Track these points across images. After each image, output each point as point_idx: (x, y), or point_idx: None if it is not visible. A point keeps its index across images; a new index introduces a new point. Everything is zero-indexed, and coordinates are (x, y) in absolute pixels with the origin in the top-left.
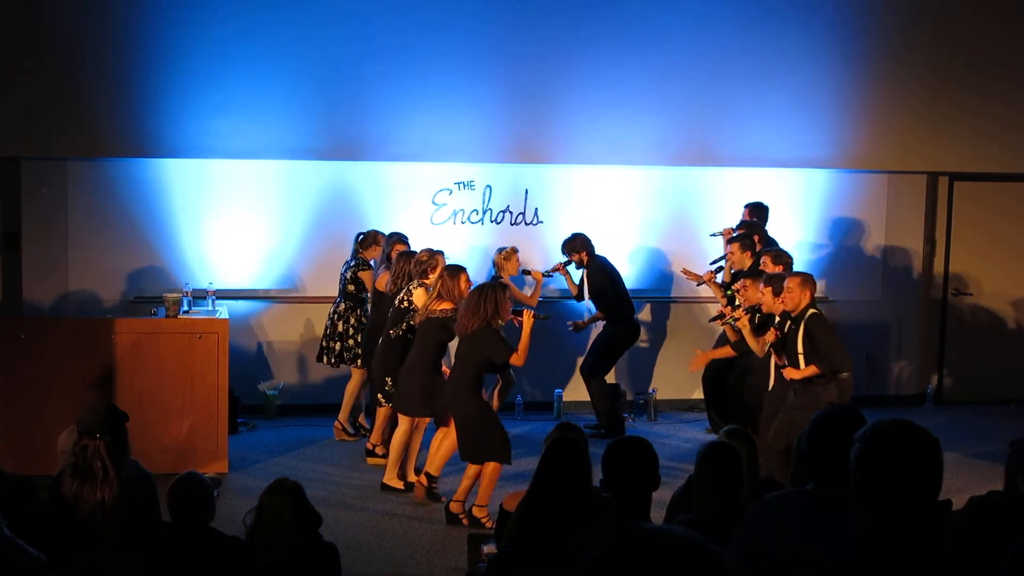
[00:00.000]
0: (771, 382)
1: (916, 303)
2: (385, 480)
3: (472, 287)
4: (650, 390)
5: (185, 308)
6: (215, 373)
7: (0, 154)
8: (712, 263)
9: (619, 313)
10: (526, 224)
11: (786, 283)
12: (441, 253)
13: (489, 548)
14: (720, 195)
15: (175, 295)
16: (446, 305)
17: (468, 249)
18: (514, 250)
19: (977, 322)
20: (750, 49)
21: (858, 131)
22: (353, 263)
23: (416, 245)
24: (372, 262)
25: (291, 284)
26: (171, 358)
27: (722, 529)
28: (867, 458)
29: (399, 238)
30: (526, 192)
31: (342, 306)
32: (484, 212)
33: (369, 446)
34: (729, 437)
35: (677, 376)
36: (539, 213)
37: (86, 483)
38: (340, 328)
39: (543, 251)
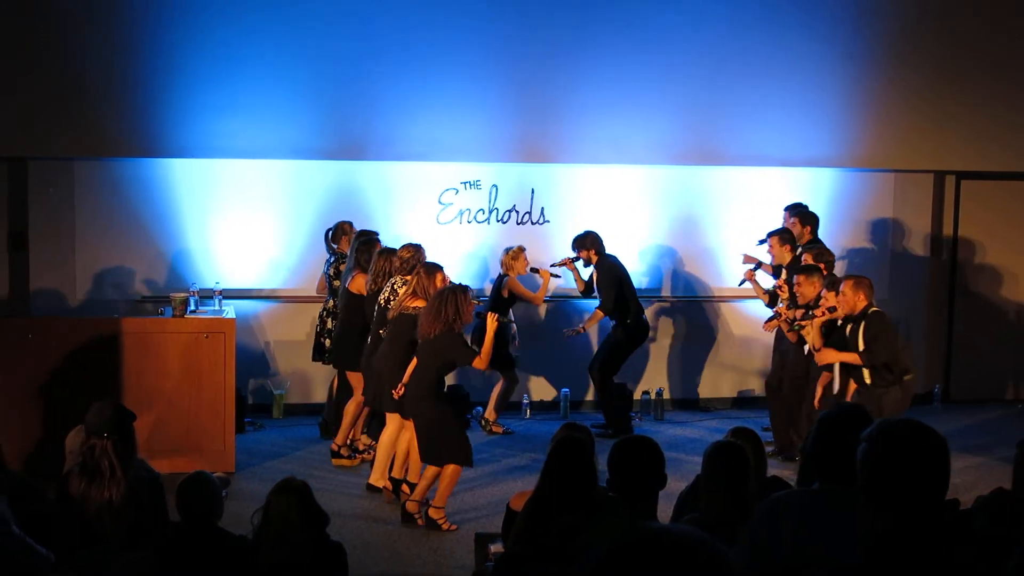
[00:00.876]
0: (836, 385)
1: (923, 302)
2: (371, 480)
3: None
4: (658, 389)
5: (192, 308)
6: (222, 372)
7: (7, 154)
8: (759, 242)
9: (623, 313)
10: (532, 223)
11: (841, 286)
12: (421, 248)
13: (496, 547)
14: (725, 194)
15: (182, 295)
16: (419, 303)
17: (474, 248)
18: (521, 249)
19: (984, 321)
20: (754, 47)
21: (864, 130)
22: (332, 259)
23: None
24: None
25: (298, 283)
26: (178, 358)
27: (729, 528)
28: (874, 457)
29: (369, 238)
30: (532, 191)
31: (331, 303)
32: (490, 211)
33: (334, 447)
34: (736, 436)
35: (684, 375)
36: (545, 212)
37: (93, 483)
38: (330, 325)
39: (550, 250)
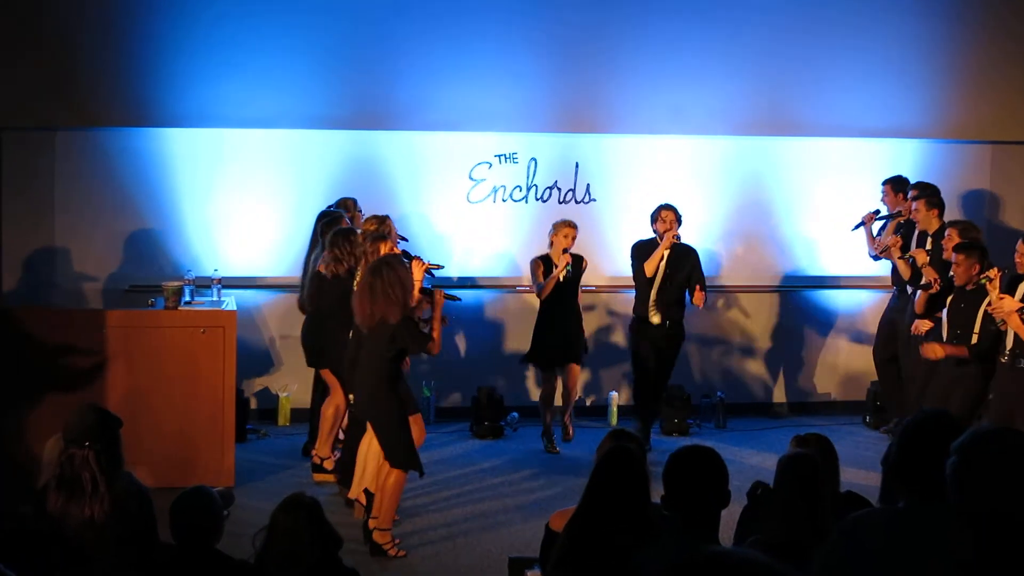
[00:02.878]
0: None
1: None
2: (350, 495)
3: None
4: (718, 393)
5: (187, 298)
6: (220, 373)
7: None
8: (879, 217)
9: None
10: (576, 202)
11: (955, 256)
12: (388, 217)
13: (533, 574)
14: (796, 169)
15: (175, 284)
16: None
17: (510, 231)
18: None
19: None
20: (831, 3)
21: (955, 96)
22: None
23: (451, 227)
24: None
25: None
26: (170, 355)
27: (800, 552)
28: (967, 471)
29: (332, 218)
30: (576, 166)
31: None
32: (528, 189)
33: (316, 459)
34: (802, 445)
35: (748, 377)
36: (591, 190)
37: (73, 498)
38: None
39: (596, 233)
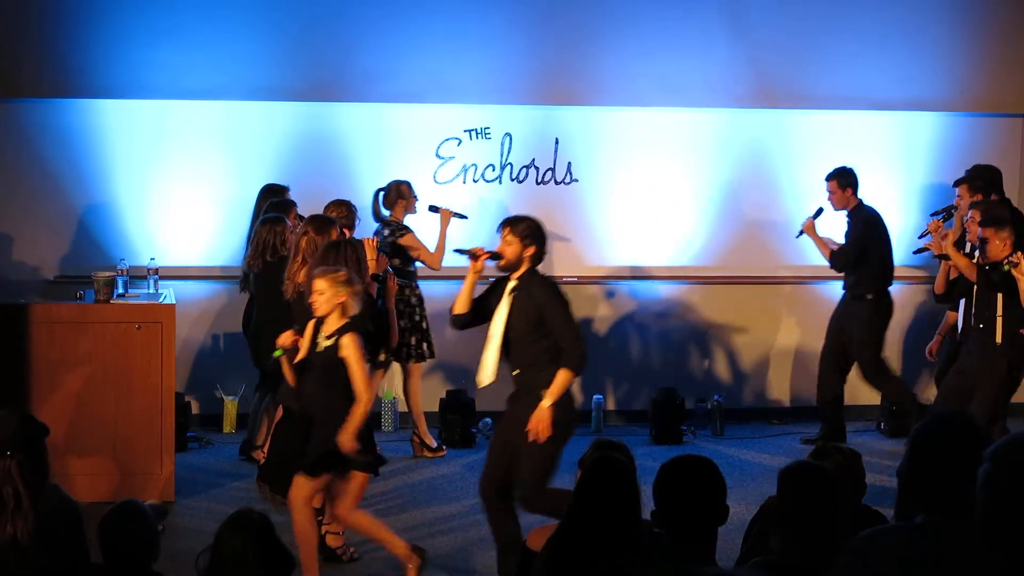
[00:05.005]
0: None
1: None
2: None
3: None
4: (715, 396)
5: (120, 291)
6: (158, 374)
7: None
8: (933, 215)
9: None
10: (556, 183)
11: (980, 232)
12: (352, 205)
13: None
14: (801, 145)
15: (107, 274)
16: None
17: (481, 214)
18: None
19: None
20: None
21: (980, 64)
22: (387, 230)
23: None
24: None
25: None
26: (102, 354)
27: (808, 575)
28: (999, 484)
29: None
30: (556, 142)
31: (406, 289)
32: (502, 168)
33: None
34: (818, 456)
35: (748, 379)
36: (572, 169)
37: None
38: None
39: (579, 217)
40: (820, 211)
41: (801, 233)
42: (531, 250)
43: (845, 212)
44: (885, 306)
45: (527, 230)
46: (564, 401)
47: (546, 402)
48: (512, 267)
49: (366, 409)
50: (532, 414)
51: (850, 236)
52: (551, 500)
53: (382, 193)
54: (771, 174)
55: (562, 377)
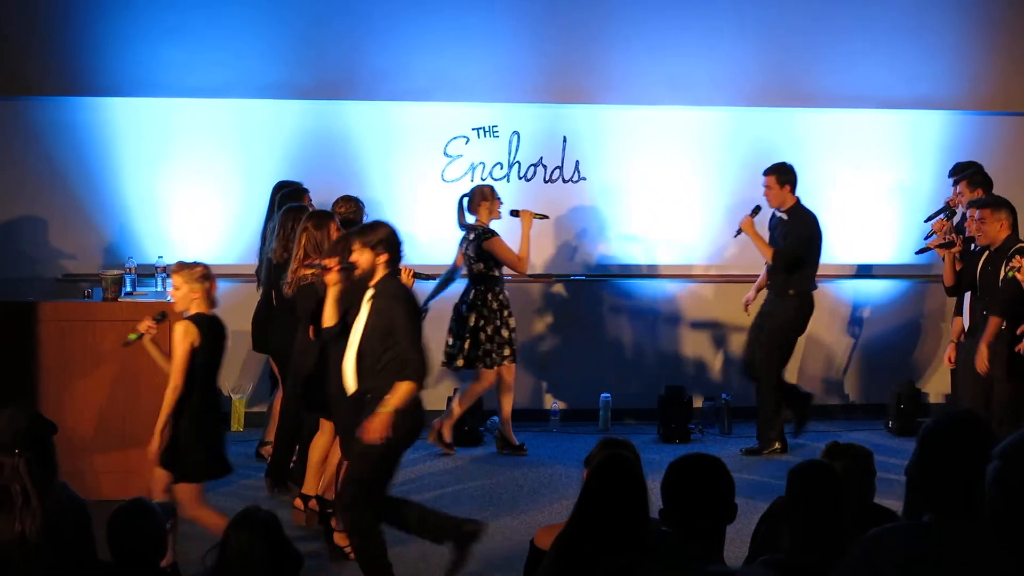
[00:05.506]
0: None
1: None
2: (307, 491)
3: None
4: (723, 395)
5: (128, 289)
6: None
7: None
8: (928, 219)
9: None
10: (564, 181)
11: (978, 212)
12: (359, 200)
13: None
14: (810, 144)
15: (115, 272)
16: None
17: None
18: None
19: None
20: None
21: (989, 61)
22: (472, 235)
23: (424, 208)
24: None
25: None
26: (110, 353)
27: (816, 574)
28: (1008, 482)
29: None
30: (564, 140)
31: (472, 293)
32: (510, 166)
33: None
34: (828, 455)
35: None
36: (580, 167)
37: (2, 512)
38: (472, 322)
39: (587, 216)
40: (758, 209)
41: (739, 232)
42: (383, 257)
43: (776, 210)
44: (808, 307)
45: (375, 239)
46: (408, 411)
47: (385, 408)
48: (368, 275)
49: (172, 397)
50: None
51: (793, 235)
52: (365, 524)
53: (466, 199)
54: None
55: (402, 388)
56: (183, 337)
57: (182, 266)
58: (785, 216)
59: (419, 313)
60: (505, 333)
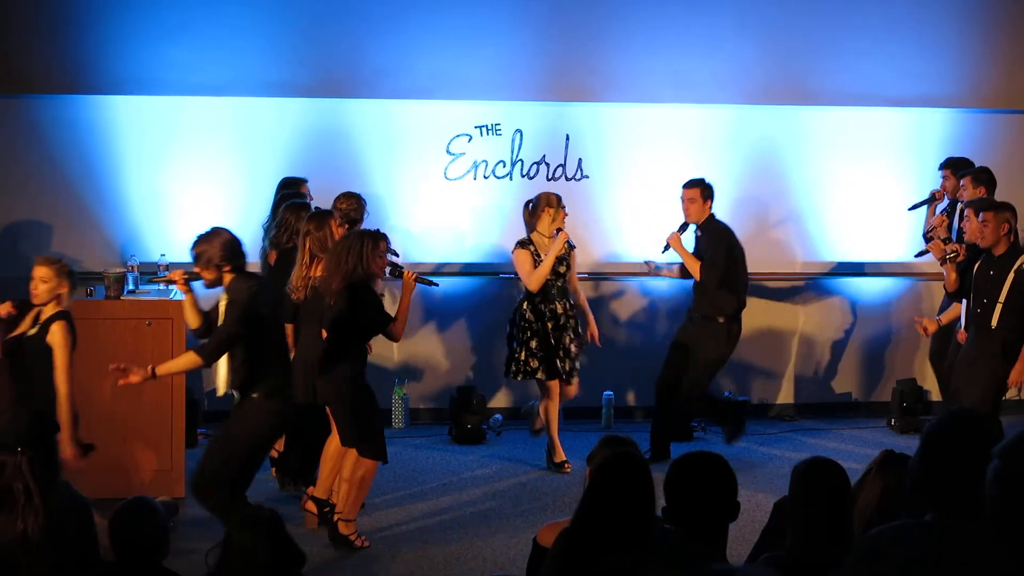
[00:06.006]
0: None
1: None
2: (315, 492)
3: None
4: (725, 393)
5: (130, 287)
6: None
7: None
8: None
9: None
10: (567, 179)
11: (982, 215)
12: (361, 198)
13: None
14: (813, 142)
15: (117, 271)
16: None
17: (492, 211)
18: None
19: None
20: None
21: (993, 59)
22: (532, 244)
23: (427, 206)
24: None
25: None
26: (112, 350)
27: (819, 572)
28: (1009, 481)
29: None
30: (567, 138)
31: (524, 303)
32: (513, 164)
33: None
34: (887, 466)
35: (759, 376)
36: (583, 165)
37: (4, 510)
38: (530, 316)
39: (590, 214)
40: (686, 225)
41: (667, 248)
42: (226, 267)
43: (694, 226)
44: (738, 329)
45: (210, 255)
46: (273, 405)
47: (157, 370)
48: (216, 284)
49: (66, 404)
50: (239, 413)
51: (711, 249)
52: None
53: (531, 204)
54: (781, 170)
55: (186, 357)
56: (63, 335)
57: (49, 260)
58: (699, 232)
59: (244, 313)
60: (534, 344)
